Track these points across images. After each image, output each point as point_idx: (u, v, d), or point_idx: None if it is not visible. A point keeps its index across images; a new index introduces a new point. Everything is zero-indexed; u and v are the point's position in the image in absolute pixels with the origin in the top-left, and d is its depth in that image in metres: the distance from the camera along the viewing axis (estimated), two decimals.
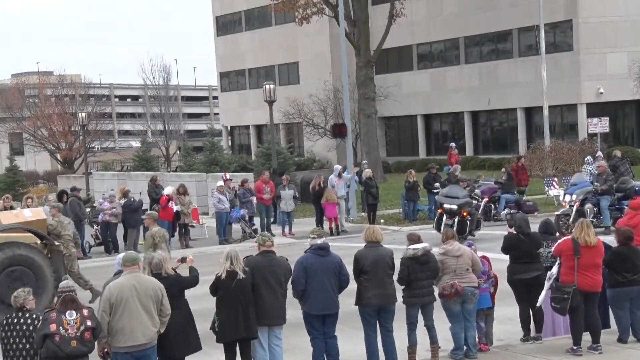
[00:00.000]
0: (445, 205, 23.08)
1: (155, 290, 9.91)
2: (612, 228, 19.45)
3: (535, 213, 25.28)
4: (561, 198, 24.99)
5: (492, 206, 26.04)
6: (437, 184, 27.62)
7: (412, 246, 11.86)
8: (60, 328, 9.27)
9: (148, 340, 9.80)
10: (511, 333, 12.86)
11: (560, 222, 21.96)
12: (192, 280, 10.75)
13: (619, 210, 22.94)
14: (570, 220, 21.94)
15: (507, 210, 25.51)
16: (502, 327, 13.03)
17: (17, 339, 9.49)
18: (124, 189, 26.09)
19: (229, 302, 10.75)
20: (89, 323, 9.41)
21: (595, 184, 23.80)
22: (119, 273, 10.73)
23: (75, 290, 9.69)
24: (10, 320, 9.60)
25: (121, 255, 11.41)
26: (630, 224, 13.25)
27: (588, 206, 23.06)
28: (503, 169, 29.03)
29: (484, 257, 12.52)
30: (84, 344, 9.36)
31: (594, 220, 21.99)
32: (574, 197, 23.40)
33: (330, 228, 25.98)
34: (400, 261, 11.83)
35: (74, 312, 9.38)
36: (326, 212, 26.25)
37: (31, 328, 9.52)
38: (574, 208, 23.04)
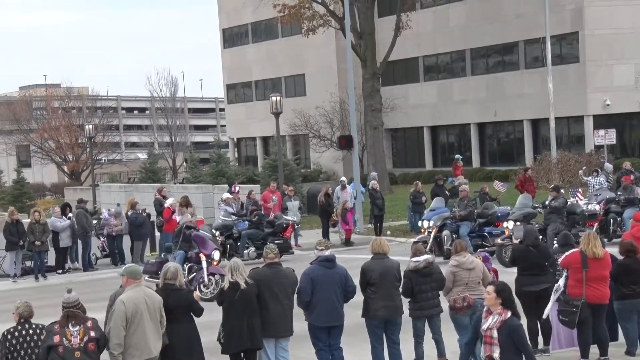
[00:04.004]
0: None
1: (159, 303, 9.96)
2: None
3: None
4: (419, 224, 23.67)
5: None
6: (424, 197, 27.44)
7: (414, 258, 11.84)
8: (64, 339, 9.27)
9: (157, 353, 9.82)
10: None
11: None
12: (200, 309, 10.63)
13: (481, 237, 22.00)
14: (428, 247, 20.54)
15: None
16: None
17: (22, 352, 9.47)
18: (132, 201, 26.11)
19: (233, 313, 10.74)
20: (92, 334, 9.40)
21: (454, 209, 22.60)
22: None
23: (81, 303, 9.65)
24: (15, 332, 9.58)
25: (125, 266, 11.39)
26: (639, 235, 13.25)
27: (445, 233, 21.74)
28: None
29: (492, 269, 12.49)
30: (88, 355, 9.35)
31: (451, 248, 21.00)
32: (432, 223, 22.18)
33: (347, 239, 26.33)
34: (403, 274, 11.82)
35: (77, 325, 9.38)
36: (341, 223, 26.46)
37: (35, 339, 9.51)
38: (432, 235, 21.78)
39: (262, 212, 25.01)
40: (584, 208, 22.45)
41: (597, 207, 22.78)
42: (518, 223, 21.03)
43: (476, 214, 22.54)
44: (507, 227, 21.33)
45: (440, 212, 22.63)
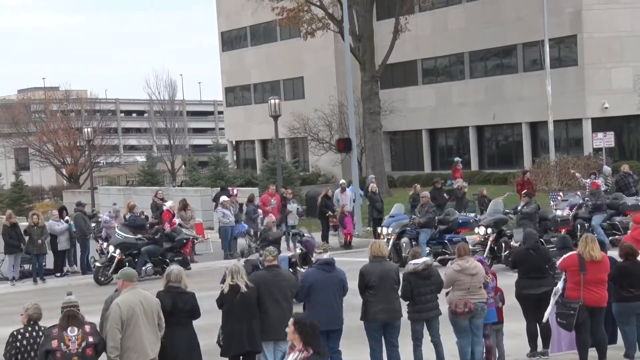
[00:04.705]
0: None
1: (156, 305, 9.93)
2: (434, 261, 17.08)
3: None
4: (378, 231, 23.29)
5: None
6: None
7: (412, 261, 11.84)
8: (62, 344, 9.24)
9: (155, 355, 9.80)
10: (518, 348, 12.80)
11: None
12: (199, 312, 10.60)
13: (441, 244, 21.64)
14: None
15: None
16: (509, 342, 12.97)
17: (33, 353, 9.47)
18: (130, 204, 26.09)
19: (233, 316, 10.74)
20: (91, 339, 9.38)
21: (413, 216, 22.25)
22: None
23: (79, 305, 9.65)
24: (26, 333, 9.58)
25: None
26: (639, 237, 13.28)
27: (404, 240, 21.40)
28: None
29: (491, 272, 12.48)
30: None
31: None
32: (390, 229, 21.75)
33: (347, 242, 26.32)
34: (402, 276, 11.82)
35: (75, 329, 9.34)
36: (341, 226, 26.44)
37: (38, 341, 9.51)
38: (391, 241, 21.31)
39: (163, 227, 23.88)
40: (556, 214, 22.24)
41: (570, 213, 22.65)
42: (489, 230, 20.79)
43: (436, 221, 22.17)
44: (478, 233, 21.12)
45: (399, 219, 22.23)
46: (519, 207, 21.56)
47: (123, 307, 9.66)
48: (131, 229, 23.85)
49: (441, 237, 21.86)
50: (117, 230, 23.76)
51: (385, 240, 21.45)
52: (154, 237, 23.27)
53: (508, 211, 22.26)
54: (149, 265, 22.77)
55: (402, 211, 23.22)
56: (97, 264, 23.03)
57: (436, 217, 22.26)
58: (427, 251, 21.00)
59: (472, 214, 23.49)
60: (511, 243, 19.83)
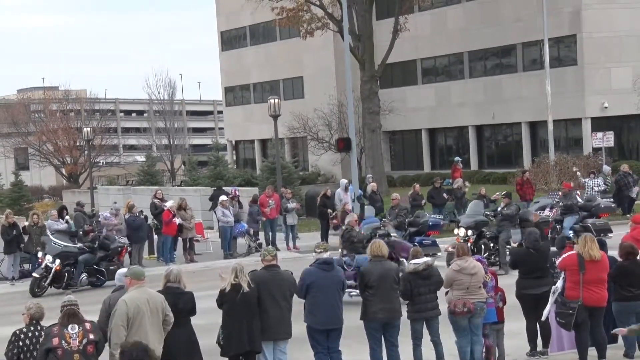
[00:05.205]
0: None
1: (162, 304, 9.96)
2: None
3: None
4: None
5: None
6: (423, 200, 27.00)
7: (413, 261, 11.85)
8: (63, 342, 9.26)
9: (159, 354, 9.81)
10: (517, 348, 12.81)
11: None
12: (196, 309, 10.65)
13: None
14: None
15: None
16: (509, 342, 12.98)
17: (35, 352, 9.48)
18: (130, 203, 26.10)
19: (233, 315, 10.74)
20: (91, 336, 9.40)
21: (384, 219, 22.04)
22: (119, 289, 10.70)
23: (78, 304, 9.66)
24: (28, 332, 9.60)
25: (123, 270, 11.39)
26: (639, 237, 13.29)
27: None
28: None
29: (491, 271, 12.49)
30: (87, 357, 9.35)
31: None
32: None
33: None
34: (401, 276, 11.83)
35: (76, 326, 9.36)
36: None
37: (41, 340, 9.52)
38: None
39: (100, 234, 23.03)
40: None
41: (550, 214, 22.49)
42: (470, 232, 20.65)
43: (407, 223, 22.03)
44: (458, 235, 21.03)
45: (370, 222, 21.81)
46: (499, 209, 21.38)
47: (130, 304, 9.70)
48: (69, 236, 22.58)
49: (411, 240, 21.51)
50: (52, 238, 22.12)
51: None
52: (92, 245, 22.07)
53: (488, 213, 22.13)
54: (84, 276, 21.71)
55: (372, 213, 22.99)
56: (35, 275, 21.44)
57: (407, 220, 22.10)
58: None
59: (440, 217, 23.28)
60: (511, 243, 19.78)
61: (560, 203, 23.28)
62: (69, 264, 21.48)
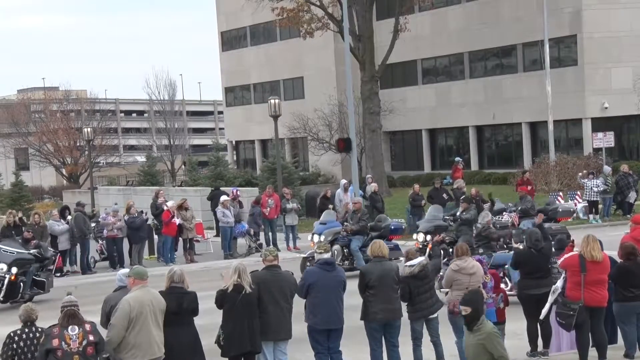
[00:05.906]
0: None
1: (163, 304, 10.01)
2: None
3: None
4: (309, 238, 22.64)
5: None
6: (423, 200, 26.77)
7: (407, 263, 11.85)
8: (63, 343, 9.27)
9: (161, 353, 9.85)
10: (518, 348, 12.81)
11: (307, 264, 18.60)
12: (198, 309, 10.66)
13: None
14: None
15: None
16: (509, 342, 12.97)
17: (30, 354, 9.49)
18: (129, 204, 26.11)
19: (234, 316, 10.74)
20: (91, 338, 9.41)
21: (346, 223, 21.76)
22: (120, 289, 10.71)
23: (78, 305, 9.67)
24: (22, 334, 9.60)
25: (124, 270, 11.40)
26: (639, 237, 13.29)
27: (336, 247, 20.66)
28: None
29: (492, 272, 12.49)
30: (87, 358, 9.36)
31: (342, 263, 19.81)
32: (322, 237, 21.08)
33: None
34: (399, 279, 11.84)
35: (76, 327, 9.37)
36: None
37: (35, 342, 9.52)
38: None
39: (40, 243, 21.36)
40: (494, 219, 21.25)
41: (509, 219, 22.27)
42: (429, 236, 20.41)
43: (369, 228, 21.75)
44: (417, 240, 20.82)
45: (331, 226, 21.77)
46: (458, 213, 20.95)
47: (133, 304, 9.73)
48: (22, 243, 20.77)
49: None
50: (2, 246, 19.92)
51: (316, 247, 20.86)
52: (39, 252, 20.33)
53: (447, 217, 21.90)
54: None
55: (333, 218, 22.72)
56: None
57: (368, 224, 21.84)
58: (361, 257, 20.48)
59: (402, 221, 23.20)
60: (512, 244, 19.69)
61: (518, 207, 23.10)
62: (22, 273, 19.35)
